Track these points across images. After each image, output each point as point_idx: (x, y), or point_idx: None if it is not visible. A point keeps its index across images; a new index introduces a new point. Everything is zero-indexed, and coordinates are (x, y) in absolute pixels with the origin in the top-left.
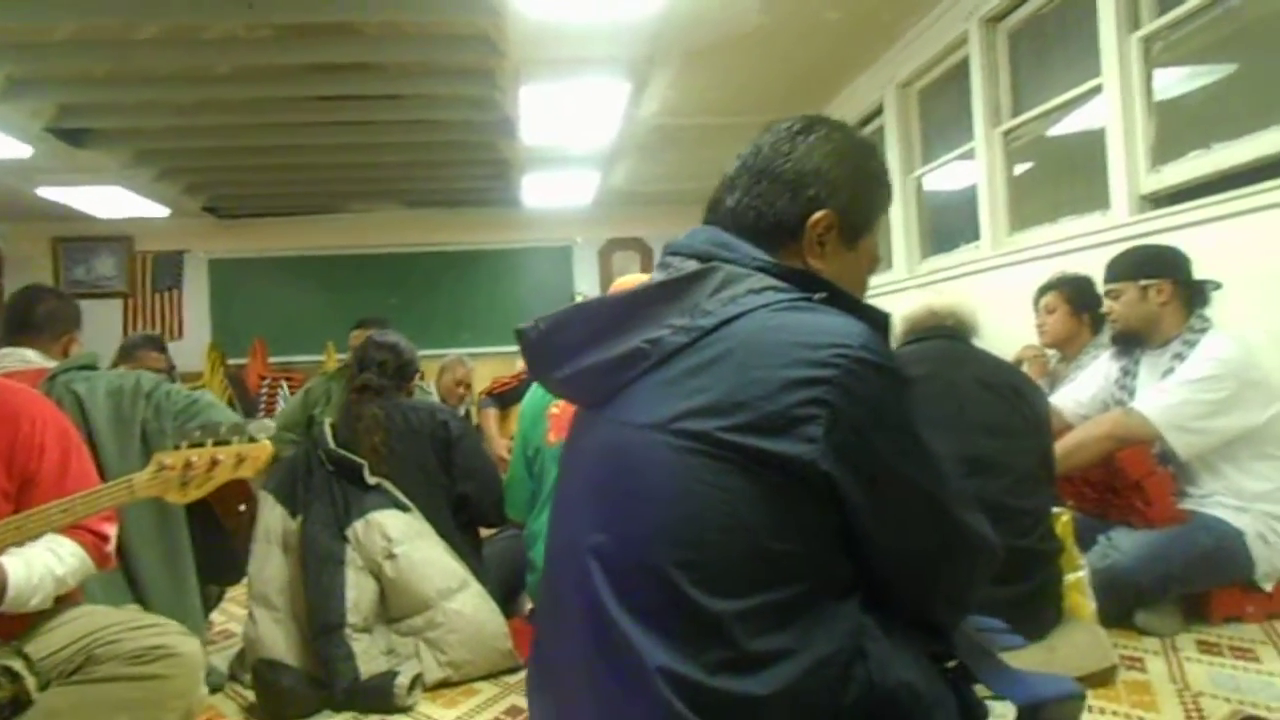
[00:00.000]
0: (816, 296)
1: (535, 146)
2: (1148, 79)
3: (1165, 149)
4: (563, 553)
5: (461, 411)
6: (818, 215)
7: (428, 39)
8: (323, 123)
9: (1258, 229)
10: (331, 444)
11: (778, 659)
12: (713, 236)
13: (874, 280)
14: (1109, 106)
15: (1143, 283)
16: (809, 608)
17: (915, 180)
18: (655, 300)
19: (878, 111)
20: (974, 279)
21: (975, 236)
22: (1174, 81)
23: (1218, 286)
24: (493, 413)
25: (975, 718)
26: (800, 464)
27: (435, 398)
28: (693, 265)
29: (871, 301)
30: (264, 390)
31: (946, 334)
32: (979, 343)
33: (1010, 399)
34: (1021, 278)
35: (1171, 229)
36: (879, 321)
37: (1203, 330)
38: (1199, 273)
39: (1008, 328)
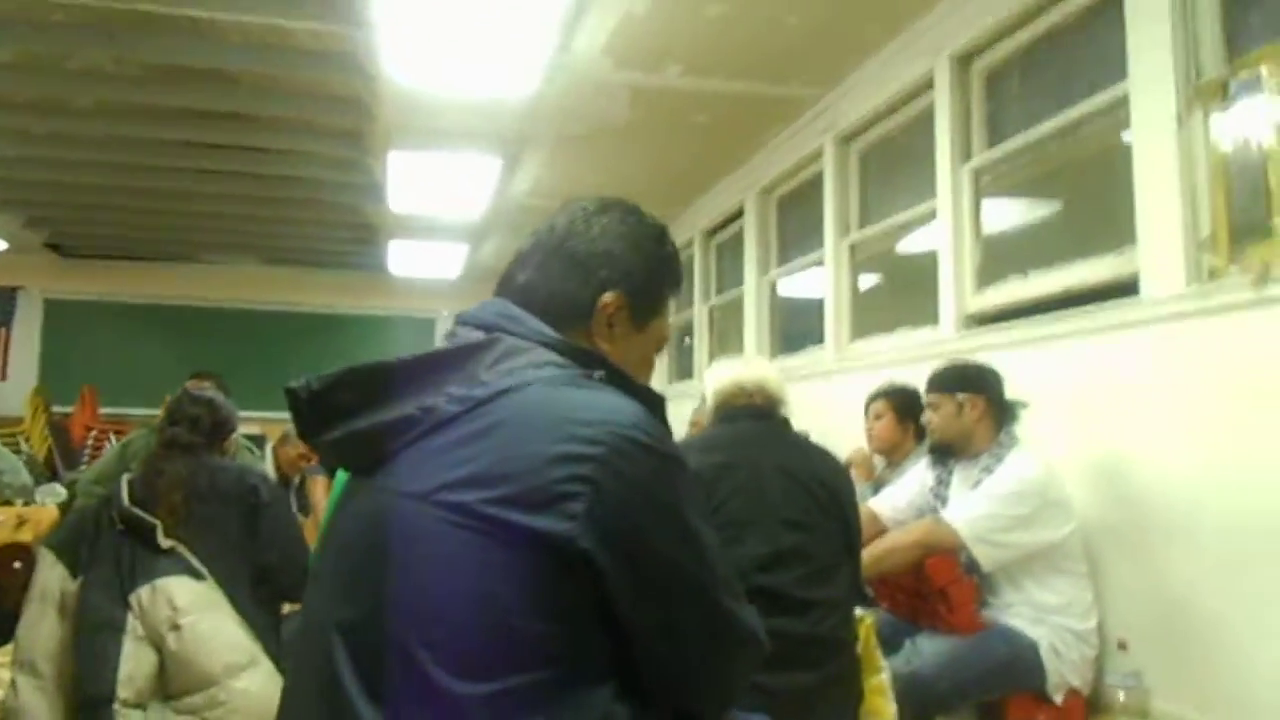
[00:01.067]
0: (595, 375)
1: (403, 214)
2: (976, 207)
3: (989, 273)
4: (309, 628)
5: (296, 481)
6: (608, 297)
7: (300, 95)
8: (184, 168)
9: (1063, 354)
10: (126, 501)
11: None
12: (502, 309)
13: None
14: (941, 229)
15: (959, 397)
16: (560, 693)
17: (769, 282)
18: (433, 367)
19: (739, 214)
20: (817, 381)
21: (821, 340)
22: (999, 212)
23: (1025, 406)
24: (321, 480)
25: None
26: (559, 541)
27: (268, 466)
28: (478, 336)
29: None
30: (90, 442)
31: (755, 414)
32: (785, 409)
33: (813, 488)
34: (860, 384)
35: (991, 348)
36: (654, 403)
37: (1010, 446)
38: (1010, 392)
39: (846, 431)
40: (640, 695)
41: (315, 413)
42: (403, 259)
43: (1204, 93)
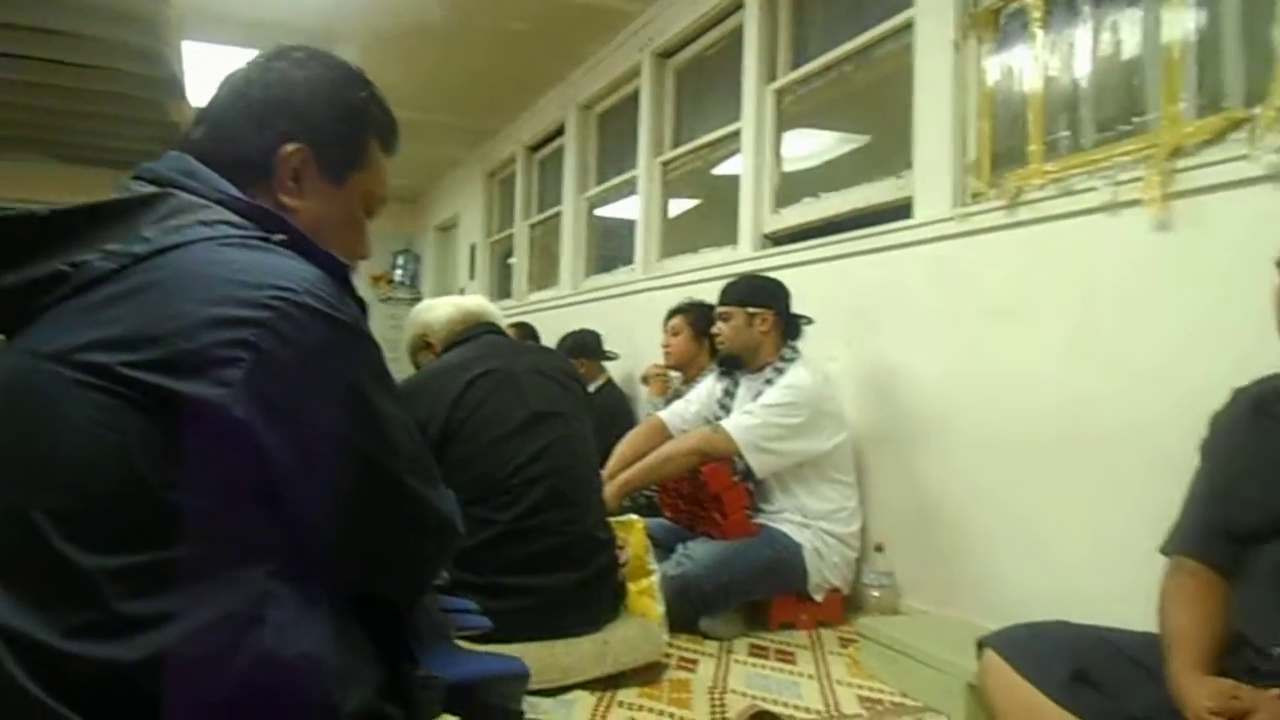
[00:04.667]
0: (275, 238)
1: None
2: (778, 128)
3: (786, 194)
4: None
5: None
6: (288, 149)
7: None
8: None
9: (845, 273)
10: None
11: (156, 623)
12: (179, 164)
13: (542, 294)
14: (744, 149)
15: (750, 310)
16: (205, 569)
17: (588, 200)
18: (93, 221)
19: (561, 130)
20: (627, 299)
21: (632, 260)
22: (798, 134)
23: (810, 322)
24: None
25: (409, 698)
26: (210, 408)
27: None
28: (149, 190)
29: (535, 315)
30: None
31: (492, 330)
32: None
33: (569, 384)
34: (667, 301)
35: (784, 266)
36: (338, 270)
37: (792, 360)
38: (798, 308)
39: (652, 347)
40: (315, 576)
41: None
42: None
43: (978, 21)
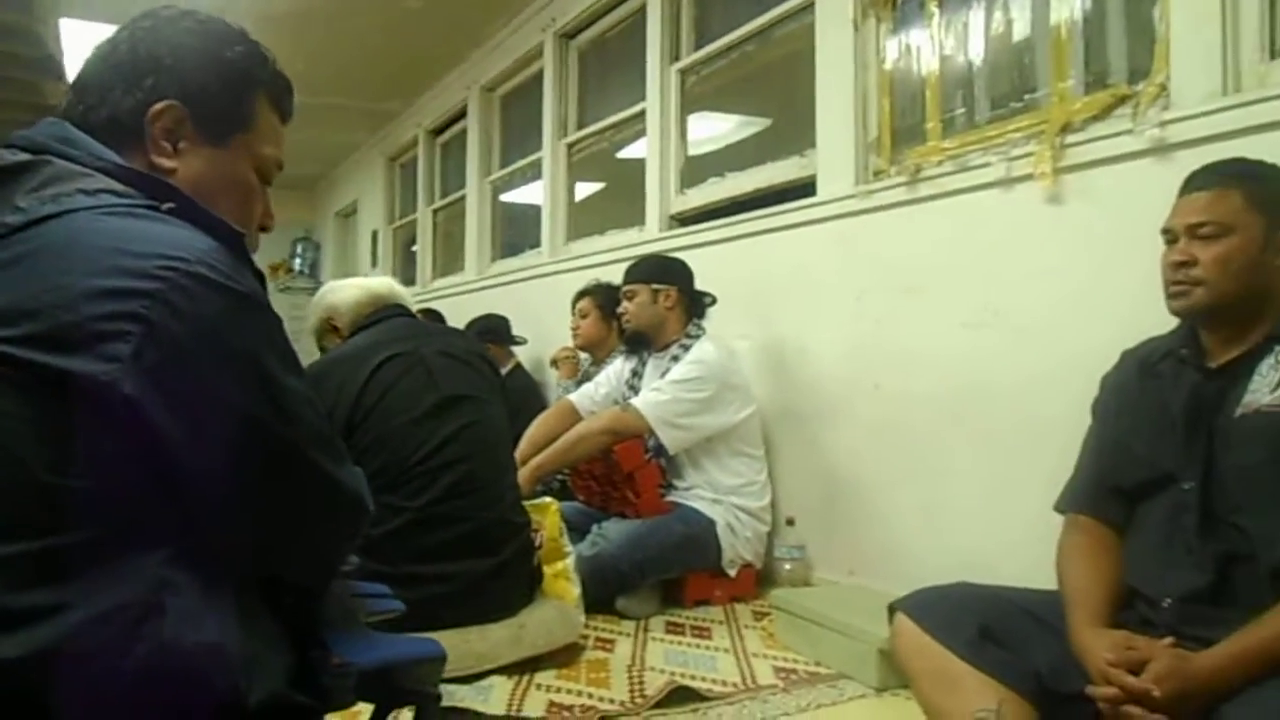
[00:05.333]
0: (164, 206)
1: None
2: (683, 108)
3: (691, 175)
4: None
5: None
6: (158, 107)
7: None
8: None
9: (751, 251)
10: None
11: (45, 616)
12: (56, 130)
13: (447, 281)
14: (650, 130)
15: (655, 287)
16: (97, 557)
17: (491, 185)
18: None
19: (463, 113)
20: (534, 283)
21: (539, 245)
22: (703, 115)
23: (713, 300)
24: None
25: (318, 684)
26: (97, 386)
27: None
28: (24, 159)
29: (441, 302)
30: None
31: (401, 312)
32: None
33: (479, 365)
34: (574, 284)
35: (690, 246)
36: (233, 239)
37: (697, 337)
38: (704, 286)
39: (561, 330)
40: (217, 561)
41: None
42: None
43: (877, 2)
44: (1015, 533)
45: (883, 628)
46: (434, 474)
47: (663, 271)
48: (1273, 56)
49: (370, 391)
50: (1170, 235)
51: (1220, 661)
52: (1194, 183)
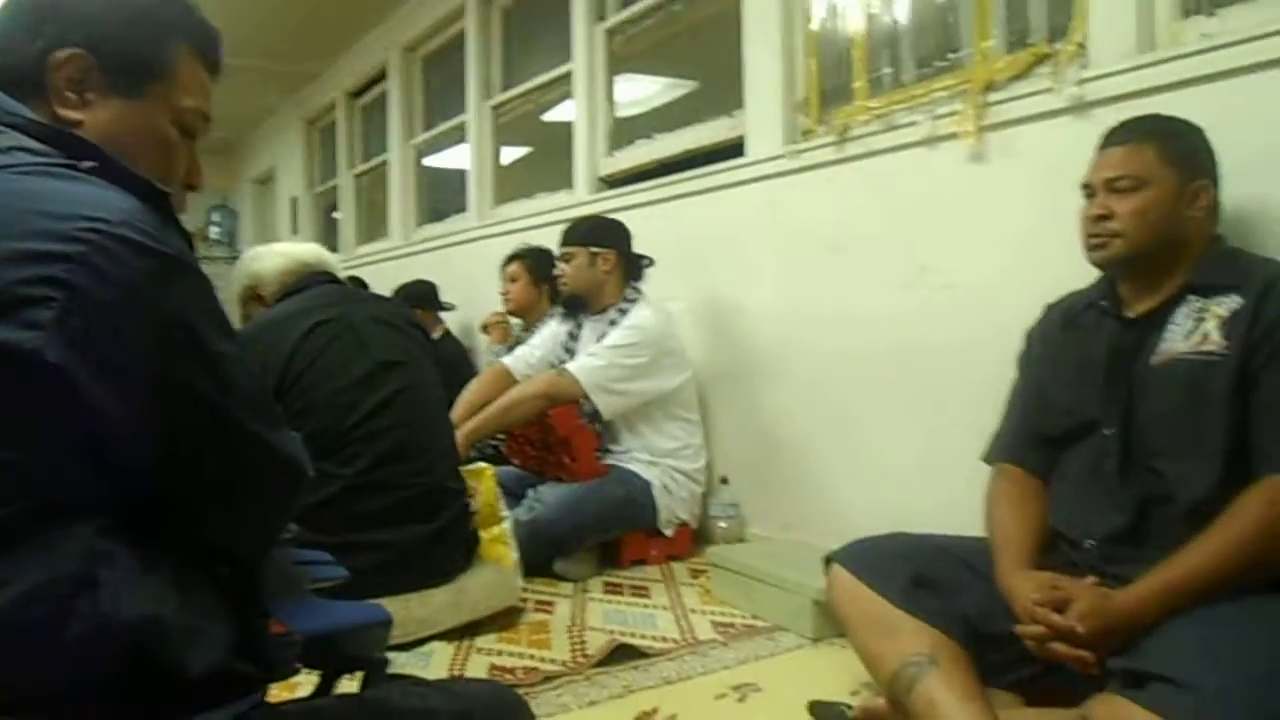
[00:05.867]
0: (83, 165)
1: None
2: (610, 69)
3: (620, 136)
4: None
5: None
6: (60, 55)
7: None
8: None
9: (682, 212)
10: None
11: None
12: None
13: (372, 247)
14: (577, 92)
15: (593, 250)
16: (26, 531)
17: (415, 149)
18: None
19: (383, 75)
20: (462, 248)
21: (465, 208)
22: (630, 77)
23: (651, 262)
24: None
25: (261, 654)
26: (19, 353)
27: None
28: None
29: (366, 269)
30: None
31: (329, 279)
32: None
33: (409, 331)
34: (503, 248)
35: (621, 209)
36: (158, 200)
37: (635, 301)
38: (638, 249)
39: (490, 295)
40: (153, 531)
41: None
42: None
43: None
44: (946, 485)
45: (816, 580)
46: (367, 441)
47: (602, 234)
48: (1185, 15)
49: (300, 358)
50: (1089, 190)
51: (1139, 597)
52: (1111, 138)
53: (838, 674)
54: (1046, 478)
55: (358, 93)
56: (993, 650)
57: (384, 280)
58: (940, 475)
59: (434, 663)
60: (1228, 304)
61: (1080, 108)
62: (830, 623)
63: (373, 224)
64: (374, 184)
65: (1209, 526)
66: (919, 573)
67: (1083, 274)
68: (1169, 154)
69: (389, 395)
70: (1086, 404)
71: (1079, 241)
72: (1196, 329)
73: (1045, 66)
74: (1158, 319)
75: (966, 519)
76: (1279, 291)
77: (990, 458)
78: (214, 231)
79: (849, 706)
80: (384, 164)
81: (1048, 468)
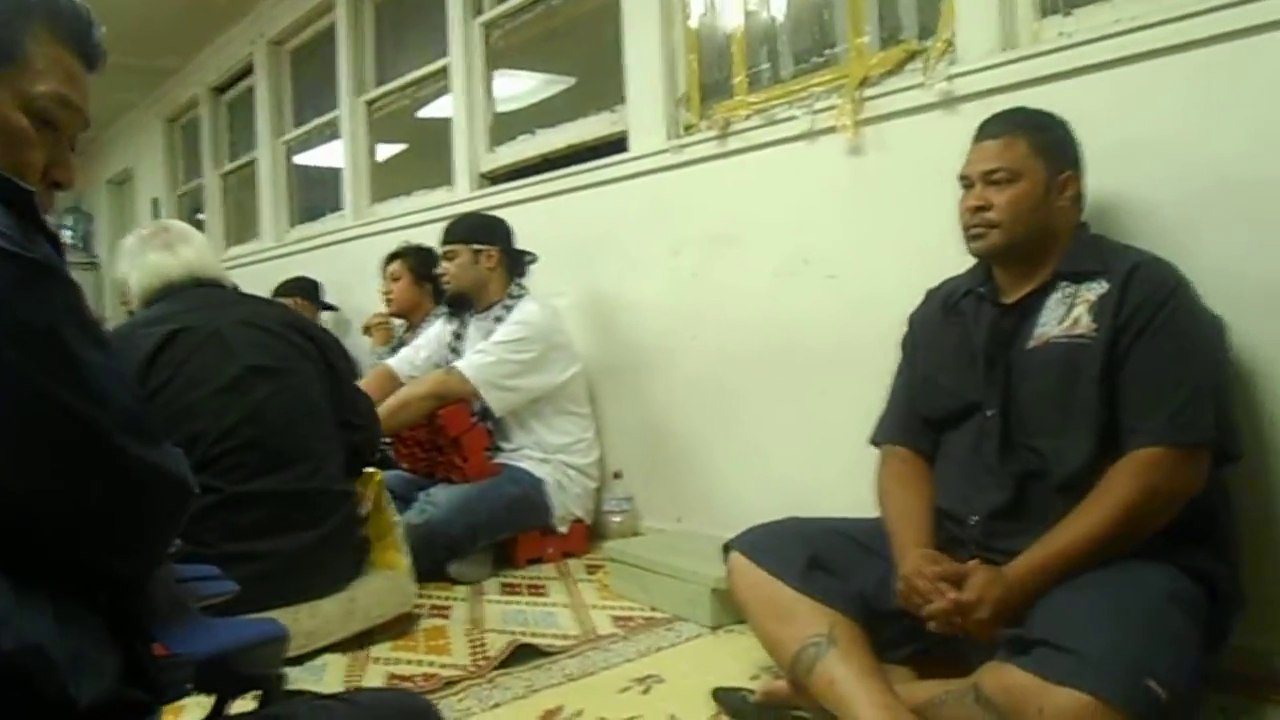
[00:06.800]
0: None
1: None
2: (488, 64)
3: (500, 132)
4: None
5: None
6: None
7: None
8: None
9: (566, 208)
10: None
11: None
12: None
13: (242, 249)
14: (454, 87)
15: (476, 247)
16: None
17: (285, 146)
18: None
19: (249, 70)
20: (339, 248)
21: (340, 207)
22: (510, 72)
23: (535, 259)
24: None
25: (146, 677)
26: None
27: None
28: None
29: (236, 272)
30: None
31: (200, 283)
32: None
33: (287, 335)
34: (381, 247)
35: (504, 205)
36: (21, 200)
37: (520, 297)
38: (521, 245)
39: (368, 296)
40: (30, 557)
41: None
42: None
43: None
44: (834, 470)
45: (713, 569)
46: (238, 451)
47: (484, 231)
48: (1044, 14)
49: (159, 369)
50: (967, 181)
51: (1027, 568)
52: (985, 130)
53: (738, 660)
54: (932, 458)
55: (222, 88)
56: (885, 625)
57: (257, 283)
58: (826, 460)
59: (329, 676)
60: (1096, 289)
61: (949, 102)
62: (728, 610)
63: (242, 225)
64: (242, 184)
65: (1084, 500)
66: (814, 555)
67: (957, 261)
68: (1039, 146)
69: (258, 401)
70: (968, 387)
71: (953, 230)
72: (1068, 314)
73: (916, 63)
74: (1032, 304)
75: (853, 500)
76: (1139, 278)
77: (878, 440)
78: (68, 236)
79: (751, 691)
80: (253, 162)
81: (933, 448)
